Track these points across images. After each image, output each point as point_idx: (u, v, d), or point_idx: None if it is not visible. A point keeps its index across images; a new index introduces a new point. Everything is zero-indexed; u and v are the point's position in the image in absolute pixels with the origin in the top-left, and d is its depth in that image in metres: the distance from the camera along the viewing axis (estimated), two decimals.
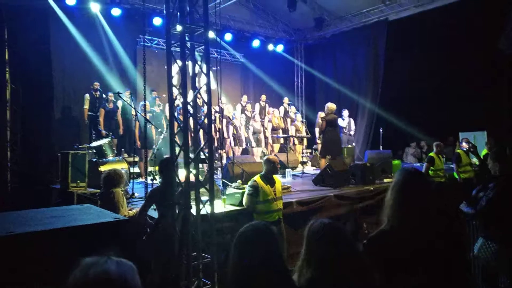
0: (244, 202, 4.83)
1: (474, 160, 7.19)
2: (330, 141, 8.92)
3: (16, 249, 2.07)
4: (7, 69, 7.88)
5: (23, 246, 2.09)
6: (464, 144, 7.11)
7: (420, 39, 11.32)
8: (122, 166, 7.19)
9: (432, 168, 7.18)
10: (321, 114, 9.27)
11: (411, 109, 11.42)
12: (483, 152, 7.66)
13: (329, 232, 1.73)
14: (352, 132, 11.24)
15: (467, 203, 3.48)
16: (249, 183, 4.82)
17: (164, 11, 3.78)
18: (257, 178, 4.77)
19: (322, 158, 9.14)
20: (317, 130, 10.29)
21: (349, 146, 10.53)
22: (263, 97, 12.01)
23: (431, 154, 7.39)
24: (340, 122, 10.83)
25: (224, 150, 9.69)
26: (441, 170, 7.29)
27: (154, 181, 6.37)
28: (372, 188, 6.88)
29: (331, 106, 8.97)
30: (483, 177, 5.44)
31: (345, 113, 11.21)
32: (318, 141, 10.31)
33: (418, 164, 9.89)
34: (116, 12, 9.94)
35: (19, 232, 2.16)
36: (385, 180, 7.63)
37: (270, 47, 13.61)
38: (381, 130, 11.17)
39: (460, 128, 10.67)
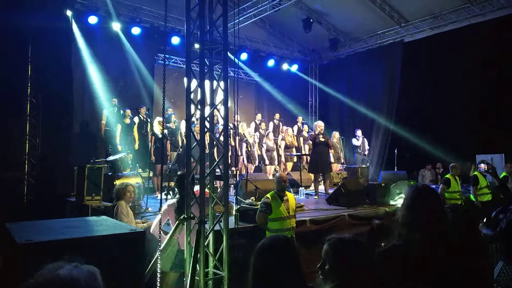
0: (256, 218, 4.83)
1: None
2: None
3: (34, 257, 2.10)
4: (29, 84, 8.11)
5: (40, 255, 2.12)
6: (482, 165, 6.96)
7: (437, 60, 11.28)
8: (136, 181, 7.27)
9: (448, 190, 7.05)
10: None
11: (426, 130, 11.30)
12: (502, 174, 7.51)
13: (348, 245, 1.72)
14: (366, 152, 11.14)
15: (486, 224, 3.40)
16: (262, 199, 4.84)
17: (185, 30, 3.87)
18: (269, 195, 4.79)
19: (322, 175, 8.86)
20: (332, 151, 10.15)
21: (363, 166, 10.42)
22: (277, 115, 12.08)
23: (447, 176, 7.26)
24: (355, 141, 10.77)
25: (237, 168, 9.70)
26: (457, 193, 7.13)
27: (168, 196, 6.39)
28: (387, 209, 6.77)
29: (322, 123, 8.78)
30: (503, 199, 5.32)
31: (359, 132, 11.09)
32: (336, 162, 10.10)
33: (434, 186, 9.68)
34: (136, 31, 10.25)
35: (38, 241, 2.19)
36: (400, 201, 7.49)
37: (285, 66, 13.77)
38: (395, 151, 11.07)
39: (477, 151, 10.47)
